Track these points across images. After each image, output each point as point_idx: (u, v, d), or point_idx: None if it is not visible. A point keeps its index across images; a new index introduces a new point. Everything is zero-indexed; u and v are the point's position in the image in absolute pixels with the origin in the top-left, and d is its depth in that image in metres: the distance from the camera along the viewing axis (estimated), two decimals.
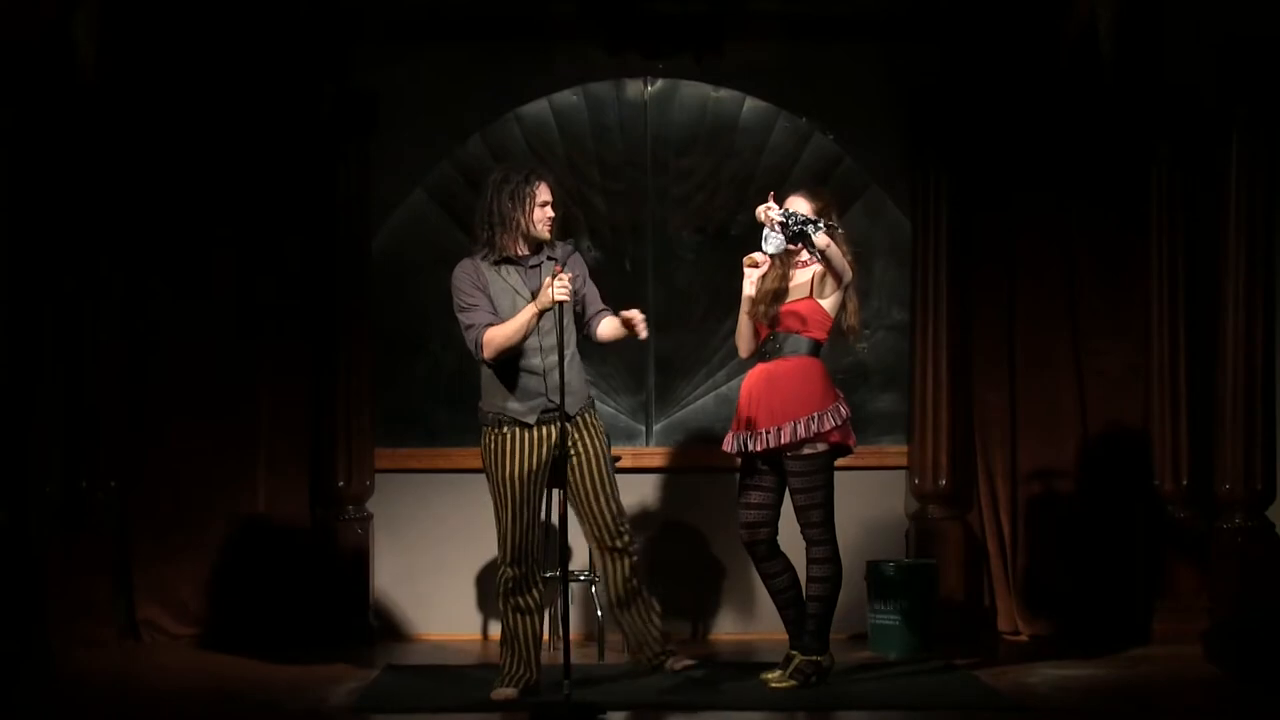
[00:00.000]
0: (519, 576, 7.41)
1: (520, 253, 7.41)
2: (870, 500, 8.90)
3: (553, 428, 7.38)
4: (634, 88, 9.15)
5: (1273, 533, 8.41)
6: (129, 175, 8.77)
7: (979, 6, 8.86)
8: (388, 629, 8.94)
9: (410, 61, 8.99)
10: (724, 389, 9.12)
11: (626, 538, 7.57)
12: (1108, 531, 8.86)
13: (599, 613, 8.45)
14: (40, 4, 8.18)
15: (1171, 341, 8.79)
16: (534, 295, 7.33)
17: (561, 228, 7.61)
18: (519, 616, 7.42)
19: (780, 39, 9.04)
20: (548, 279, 7.24)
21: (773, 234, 7.40)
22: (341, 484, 8.88)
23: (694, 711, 7.32)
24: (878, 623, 8.47)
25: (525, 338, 7.33)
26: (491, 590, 8.92)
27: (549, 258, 7.45)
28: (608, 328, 7.60)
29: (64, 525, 8.56)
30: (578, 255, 7.62)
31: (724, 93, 9.13)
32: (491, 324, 7.35)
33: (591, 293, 7.64)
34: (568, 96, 9.12)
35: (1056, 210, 8.94)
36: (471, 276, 7.41)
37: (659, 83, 9.14)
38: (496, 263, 7.40)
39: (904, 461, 9.06)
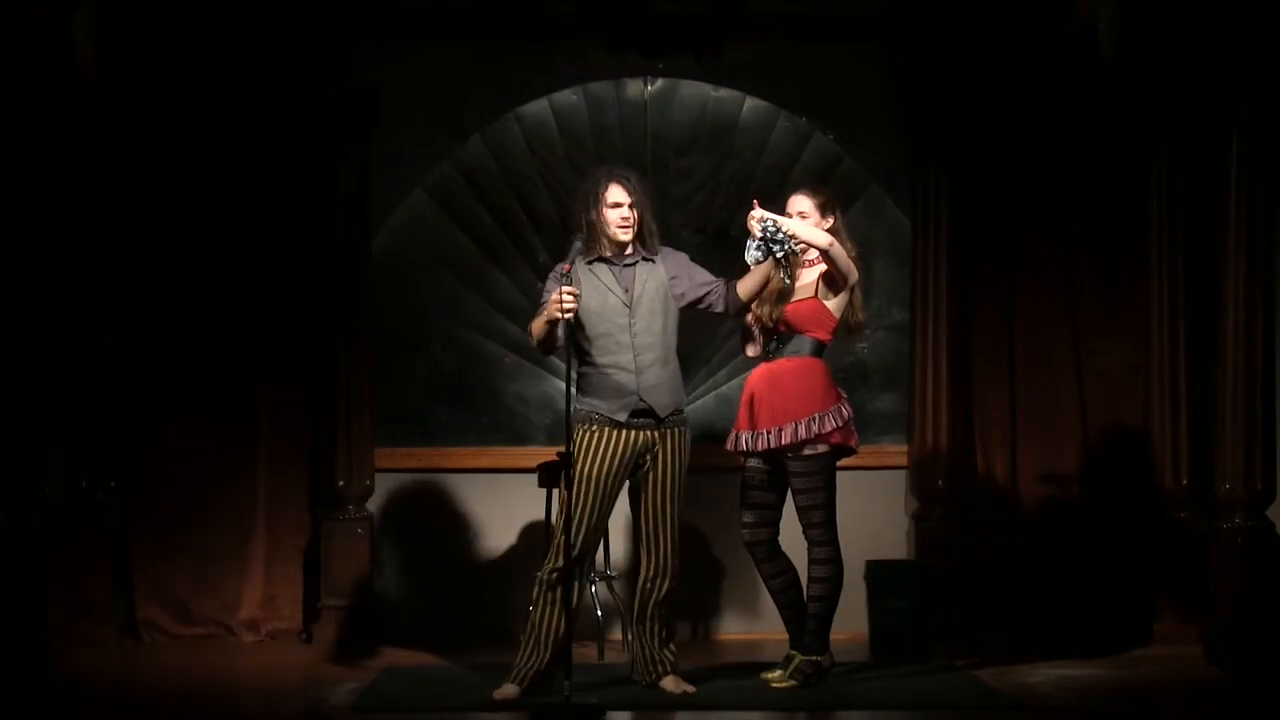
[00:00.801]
0: (564, 575, 7.32)
1: (609, 253, 7.43)
2: (870, 500, 8.90)
3: (643, 433, 7.36)
4: (634, 87, 9.15)
5: (1273, 533, 8.41)
6: (129, 175, 8.77)
7: (979, 6, 8.87)
8: (388, 629, 8.93)
9: (410, 61, 8.99)
10: (724, 389, 9.12)
11: (675, 566, 7.47)
12: (1108, 531, 8.86)
13: (599, 612, 8.45)
14: (40, 4, 8.18)
15: (1171, 341, 8.80)
16: (627, 292, 7.38)
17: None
18: (551, 609, 7.34)
19: (780, 39, 9.04)
20: (554, 294, 7.24)
21: (753, 243, 7.41)
22: (341, 484, 8.88)
23: (694, 711, 7.32)
24: (878, 623, 8.46)
25: (546, 338, 7.35)
26: (489, 589, 8.97)
27: (644, 258, 7.46)
28: (744, 284, 7.54)
29: (64, 525, 8.56)
30: (677, 254, 7.58)
31: (724, 93, 9.13)
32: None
33: (692, 280, 7.55)
34: (568, 96, 9.12)
35: (1056, 210, 8.95)
36: (557, 274, 7.44)
37: (659, 82, 9.14)
38: (591, 262, 7.43)
39: (904, 461, 9.06)
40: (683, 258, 7.62)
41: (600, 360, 7.38)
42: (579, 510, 7.35)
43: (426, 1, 8.97)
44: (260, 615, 8.85)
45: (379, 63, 8.94)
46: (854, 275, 7.53)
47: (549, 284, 7.49)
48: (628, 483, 7.48)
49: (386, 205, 9.04)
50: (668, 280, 7.50)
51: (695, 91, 9.14)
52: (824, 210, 7.61)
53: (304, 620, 8.86)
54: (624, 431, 7.37)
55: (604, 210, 7.40)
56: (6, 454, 8.30)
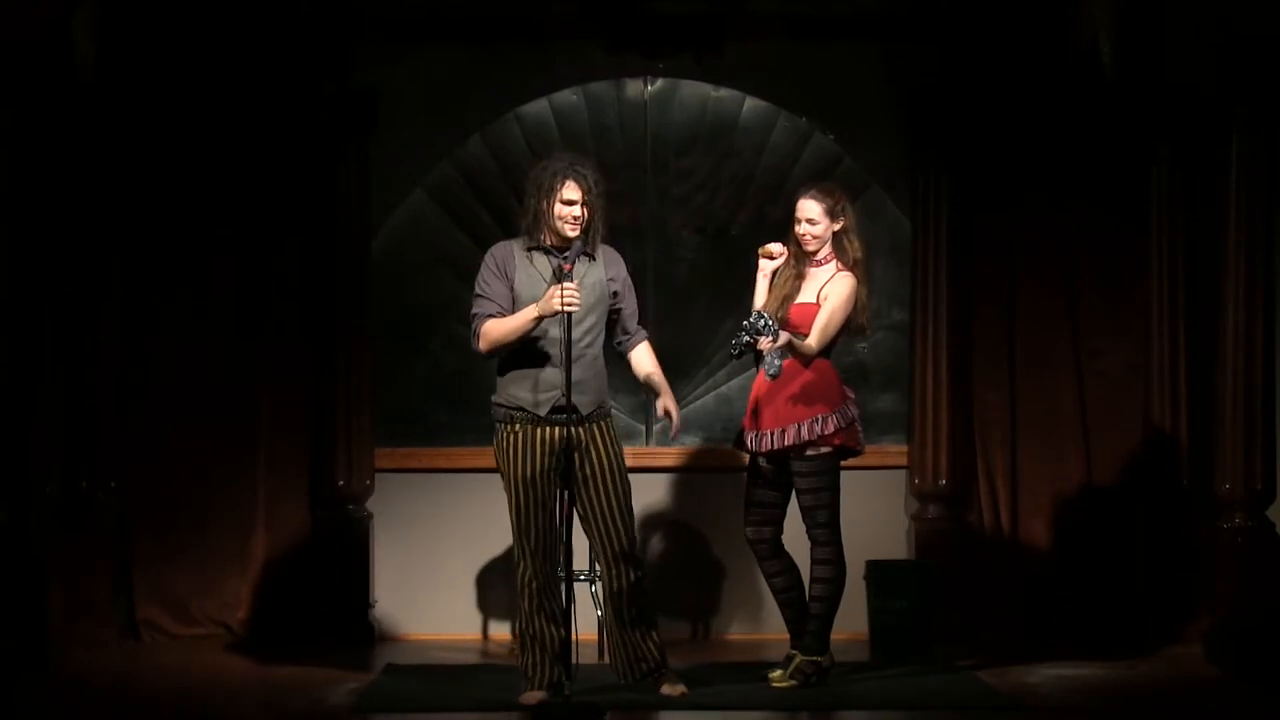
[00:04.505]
0: (540, 579, 7.30)
1: (552, 243, 7.31)
2: (871, 500, 8.89)
3: (567, 429, 7.23)
4: (634, 88, 9.15)
5: (1273, 533, 8.41)
6: (129, 175, 8.77)
7: (979, 7, 8.86)
8: (388, 629, 8.94)
9: (410, 61, 8.99)
10: (724, 389, 9.11)
11: (636, 558, 7.43)
12: (1108, 531, 8.86)
13: (599, 612, 8.45)
14: (40, 4, 8.18)
15: (1171, 341, 8.79)
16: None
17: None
18: (542, 619, 7.32)
19: (780, 39, 9.04)
20: (553, 287, 7.13)
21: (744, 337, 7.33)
22: (341, 484, 8.89)
23: (695, 711, 7.32)
24: (878, 623, 8.47)
25: (522, 339, 7.26)
26: (489, 589, 8.97)
27: (585, 254, 7.31)
28: (642, 363, 7.49)
29: (64, 525, 8.55)
30: (618, 257, 7.46)
31: (724, 93, 9.13)
32: (494, 316, 7.28)
33: (630, 303, 7.48)
34: (568, 96, 9.12)
35: (1056, 210, 8.95)
36: (496, 261, 7.32)
37: (659, 83, 9.14)
38: (530, 249, 7.34)
39: (904, 461, 9.07)
40: (622, 267, 7.44)
41: (529, 350, 7.27)
42: (522, 516, 7.27)
43: (426, 1, 8.97)
44: (260, 615, 8.84)
45: (379, 63, 8.94)
46: (811, 350, 7.48)
47: (484, 273, 7.27)
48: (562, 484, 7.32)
49: (386, 205, 9.04)
50: (605, 280, 7.39)
51: (695, 91, 9.13)
52: (833, 215, 7.60)
53: (302, 620, 8.85)
54: (546, 428, 7.26)
55: (555, 204, 7.25)
56: (6, 454, 8.30)
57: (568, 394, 7.16)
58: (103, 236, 8.71)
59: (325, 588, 8.83)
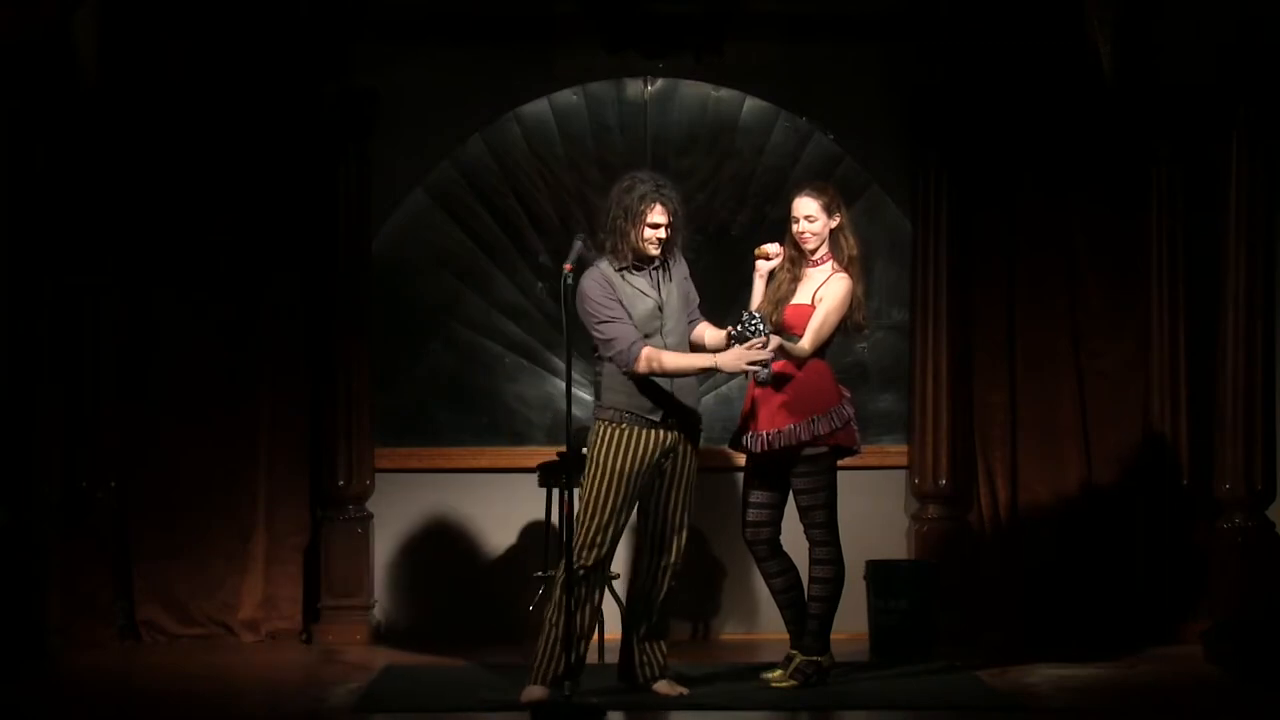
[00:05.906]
0: (593, 578, 7.30)
1: (634, 260, 7.32)
2: (870, 500, 8.90)
3: (671, 433, 7.30)
4: (634, 88, 9.15)
5: (1273, 533, 8.41)
6: (129, 175, 8.77)
7: (979, 7, 8.86)
8: (388, 629, 8.93)
9: (410, 61, 8.99)
10: (724, 389, 9.11)
11: (680, 573, 7.46)
12: (1107, 531, 8.86)
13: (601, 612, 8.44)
14: (40, 4, 8.18)
15: (1171, 341, 8.80)
16: (657, 293, 7.30)
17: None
18: (570, 616, 7.25)
19: (780, 39, 9.04)
20: (739, 348, 7.18)
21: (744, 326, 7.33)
22: (341, 484, 8.88)
23: (695, 711, 7.32)
24: (878, 623, 8.47)
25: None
26: (490, 589, 8.96)
27: (665, 260, 7.36)
28: (714, 338, 7.49)
29: (64, 525, 8.56)
30: (683, 260, 7.51)
31: (724, 93, 9.13)
32: (648, 339, 7.26)
33: (691, 292, 7.52)
34: (568, 96, 9.12)
35: (1057, 210, 8.95)
36: (603, 288, 7.31)
37: (659, 83, 9.14)
38: (621, 269, 7.34)
39: (904, 461, 9.07)
40: (685, 268, 7.52)
41: None
42: (607, 508, 7.27)
43: (426, 1, 8.98)
44: (260, 615, 8.85)
45: (379, 63, 8.94)
46: (804, 353, 7.48)
47: (600, 299, 7.25)
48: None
49: (386, 205, 9.04)
50: (683, 281, 7.47)
51: (695, 91, 9.14)
52: (829, 211, 7.60)
53: (304, 620, 8.87)
54: (656, 431, 7.31)
55: (642, 227, 7.28)
56: (6, 454, 8.31)
57: (568, 400, 7.16)
58: (103, 236, 8.71)
59: (324, 588, 8.83)
